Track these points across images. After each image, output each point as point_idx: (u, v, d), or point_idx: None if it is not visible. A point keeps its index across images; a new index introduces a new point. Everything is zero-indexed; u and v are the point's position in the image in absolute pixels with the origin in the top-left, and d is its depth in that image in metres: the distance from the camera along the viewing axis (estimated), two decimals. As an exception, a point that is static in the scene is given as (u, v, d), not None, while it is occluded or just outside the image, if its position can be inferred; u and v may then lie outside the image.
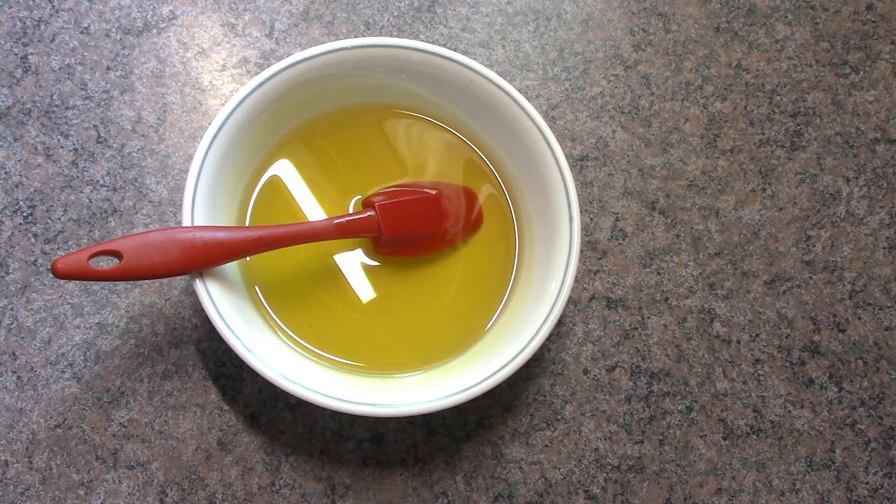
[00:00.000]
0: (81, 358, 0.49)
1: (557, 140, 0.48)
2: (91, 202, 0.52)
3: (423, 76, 0.49)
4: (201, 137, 0.45)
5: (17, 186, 0.52)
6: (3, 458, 0.48)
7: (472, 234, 0.51)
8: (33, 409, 0.49)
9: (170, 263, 0.41)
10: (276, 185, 0.50)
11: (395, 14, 0.58)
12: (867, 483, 0.52)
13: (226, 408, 0.49)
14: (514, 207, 0.51)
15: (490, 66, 0.57)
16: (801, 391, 0.53)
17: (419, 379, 0.47)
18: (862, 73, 0.60)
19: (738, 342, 0.54)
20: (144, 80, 0.55)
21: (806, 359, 0.54)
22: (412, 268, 0.50)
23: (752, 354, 0.54)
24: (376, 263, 0.50)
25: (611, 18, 0.59)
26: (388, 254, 0.50)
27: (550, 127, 0.48)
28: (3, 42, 0.55)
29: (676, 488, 0.51)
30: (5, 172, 0.52)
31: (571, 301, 0.53)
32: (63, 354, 0.49)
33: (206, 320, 0.51)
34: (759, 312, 0.54)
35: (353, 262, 0.50)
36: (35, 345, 0.49)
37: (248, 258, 0.48)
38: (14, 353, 0.49)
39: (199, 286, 0.43)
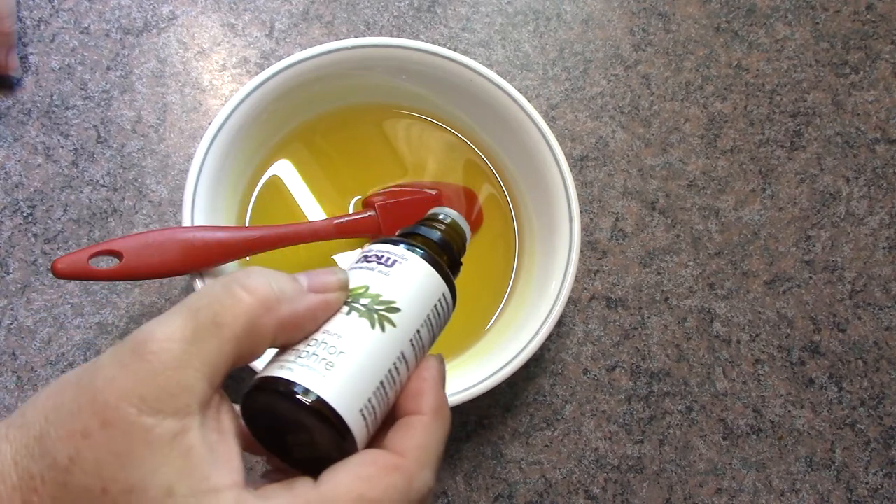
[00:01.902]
0: (81, 358, 0.49)
1: (557, 140, 0.48)
2: (91, 202, 0.52)
3: (423, 76, 0.49)
4: (201, 137, 0.45)
5: (17, 186, 0.52)
6: (3, 458, 0.48)
7: (472, 234, 0.51)
8: (33, 409, 0.49)
9: (169, 263, 0.41)
10: (276, 185, 0.50)
11: (395, 14, 0.58)
12: (867, 483, 0.52)
13: (226, 408, 0.49)
14: (514, 207, 0.51)
15: (490, 66, 0.57)
16: (801, 391, 0.53)
17: (419, 379, 0.47)
18: (862, 73, 0.60)
19: (738, 342, 0.54)
20: (144, 80, 0.55)
21: (806, 359, 0.54)
22: (412, 268, 0.50)
23: (752, 354, 0.54)
24: (376, 263, 0.50)
25: (611, 18, 0.59)
26: (388, 254, 0.50)
27: (550, 127, 0.48)
28: (3, 42, 0.55)
29: (676, 488, 0.51)
30: (5, 172, 0.52)
31: (571, 301, 0.53)
32: (63, 354, 0.49)
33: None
34: (759, 312, 0.54)
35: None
36: (35, 345, 0.49)
37: (247, 258, 0.48)
38: (14, 353, 0.49)
39: (198, 286, 0.43)
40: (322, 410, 0.25)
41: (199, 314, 0.24)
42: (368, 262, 0.30)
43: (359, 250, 0.32)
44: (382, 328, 0.27)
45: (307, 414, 0.25)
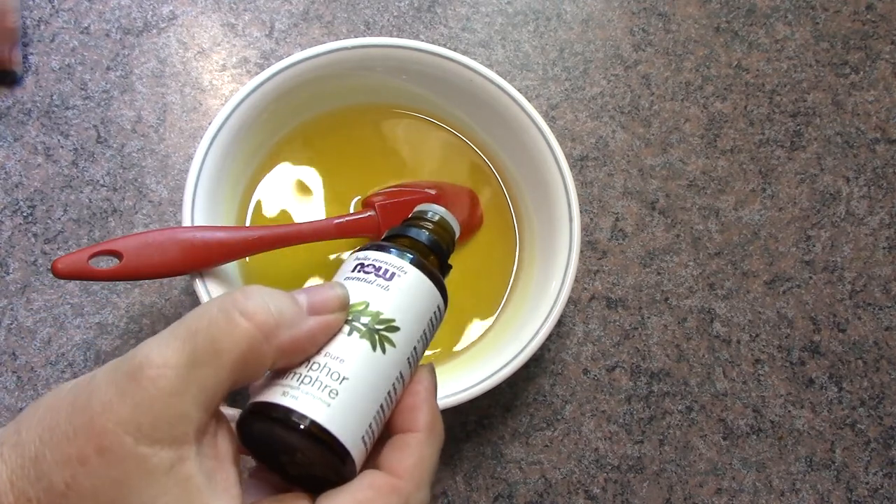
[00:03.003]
0: (81, 358, 0.49)
1: (557, 140, 0.48)
2: (91, 202, 0.52)
3: (423, 76, 0.49)
4: (201, 137, 0.45)
5: (17, 186, 0.52)
6: (3, 458, 0.48)
7: (472, 234, 0.51)
8: (33, 409, 0.49)
9: (170, 263, 0.41)
10: (276, 184, 0.50)
11: (395, 14, 0.58)
12: (867, 483, 0.52)
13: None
14: (514, 207, 0.51)
15: (490, 66, 0.57)
16: (801, 391, 0.53)
17: (419, 379, 0.47)
18: (862, 73, 0.60)
19: (738, 342, 0.54)
20: (144, 80, 0.55)
21: (806, 359, 0.54)
22: (412, 268, 0.50)
23: (752, 354, 0.54)
24: (376, 263, 0.50)
25: (611, 18, 0.59)
26: (388, 254, 0.50)
27: (550, 127, 0.48)
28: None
29: (676, 488, 0.51)
30: (5, 172, 0.52)
31: (571, 301, 0.53)
32: (63, 354, 0.49)
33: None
34: (759, 312, 0.54)
35: (353, 262, 0.50)
36: (35, 345, 0.49)
37: (247, 258, 0.48)
38: (14, 353, 0.49)
39: (199, 286, 0.43)
40: (328, 442, 0.25)
41: (196, 339, 0.24)
42: (366, 272, 0.29)
43: (350, 254, 0.31)
44: (383, 350, 0.27)
45: (313, 444, 0.25)
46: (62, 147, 0.53)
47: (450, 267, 0.33)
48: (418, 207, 0.34)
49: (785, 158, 0.58)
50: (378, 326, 0.27)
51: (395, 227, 0.33)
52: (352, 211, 0.50)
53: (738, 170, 0.57)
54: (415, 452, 0.27)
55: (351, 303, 0.28)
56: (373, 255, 0.29)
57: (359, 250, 0.30)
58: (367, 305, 0.28)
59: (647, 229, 0.55)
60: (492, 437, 0.50)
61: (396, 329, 0.28)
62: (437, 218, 0.33)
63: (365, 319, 0.27)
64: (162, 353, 0.23)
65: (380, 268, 0.29)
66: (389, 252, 0.29)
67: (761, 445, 0.52)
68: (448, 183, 0.51)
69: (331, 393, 0.25)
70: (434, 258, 0.31)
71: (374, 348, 0.27)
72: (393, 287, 0.28)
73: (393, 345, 0.27)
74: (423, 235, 0.31)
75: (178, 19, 0.56)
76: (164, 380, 0.23)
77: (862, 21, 0.61)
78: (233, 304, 0.25)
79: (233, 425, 0.27)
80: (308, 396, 0.25)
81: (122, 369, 0.23)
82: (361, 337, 0.27)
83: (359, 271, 0.29)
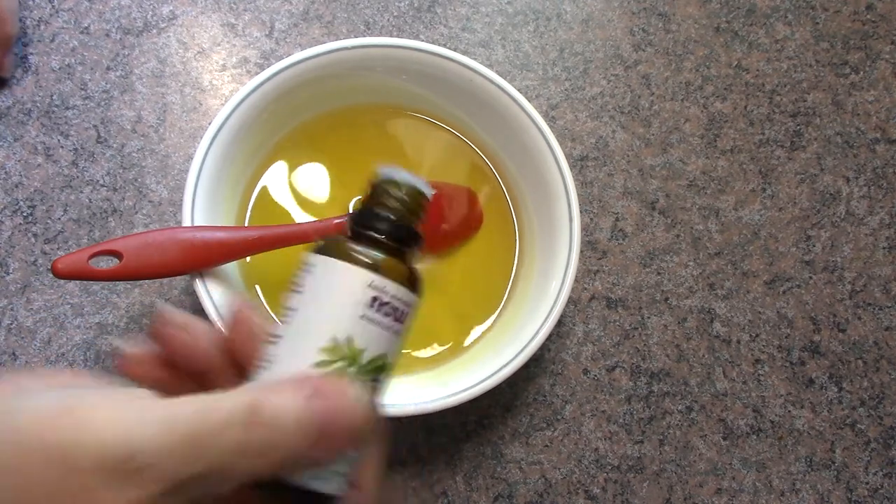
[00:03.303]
0: (81, 358, 0.49)
1: (557, 140, 0.48)
2: (91, 202, 0.52)
3: (423, 76, 0.49)
4: (201, 137, 0.45)
5: (17, 186, 0.52)
6: (3, 458, 0.48)
7: (472, 234, 0.51)
8: (33, 409, 0.49)
9: (170, 263, 0.41)
10: (276, 184, 0.50)
11: (395, 14, 0.58)
12: (867, 483, 0.52)
13: (226, 408, 0.49)
14: (514, 207, 0.51)
15: (490, 66, 0.57)
16: (801, 391, 0.53)
17: (419, 379, 0.47)
18: (862, 73, 0.60)
19: (738, 342, 0.54)
20: (144, 80, 0.55)
21: (806, 359, 0.54)
22: (412, 268, 0.50)
23: (752, 354, 0.54)
24: (376, 263, 0.50)
25: (611, 18, 0.59)
26: (388, 254, 0.49)
27: (550, 127, 0.48)
28: (3, 42, 0.55)
29: (676, 488, 0.51)
30: (5, 172, 0.52)
31: (571, 301, 0.53)
32: (63, 354, 0.49)
33: (206, 320, 0.51)
34: (759, 312, 0.54)
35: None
36: (35, 345, 0.49)
37: (247, 258, 0.48)
38: (14, 353, 0.49)
39: (199, 286, 0.43)
40: None
41: (197, 460, 0.23)
42: (385, 314, 0.26)
43: (344, 262, 0.27)
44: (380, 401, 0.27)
45: None
46: (62, 147, 0.53)
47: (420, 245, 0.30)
48: (381, 175, 0.29)
49: (785, 158, 0.58)
50: (385, 381, 0.27)
51: (362, 217, 0.28)
52: (351, 211, 0.50)
53: (738, 170, 0.57)
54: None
55: (371, 355, 0.26)
56: (391, 289, 0.27)
57: (368, 267, 0.27)
58: (385, 359, 0.27)
59: (647, 229, 0.55)
60: (492, 437, 0.50)
61: (390, 373, 0.27)
62: (404, 190, 0.29)
63: (380, 378, 0.27)
64: (160, 449, 0.23)
65: (396, 308, 0.27)
66: (402, 285, 0.27)
67: (761, 445, 0.52)
68: (447, 183, 0.51)
69: (344, 476, 0.26)
70: (409, 246, 0.29)
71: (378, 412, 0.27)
72: (403, 330, 0.27)
73: (383, 390, 0.28)
74: (416, 241, 0.28)
75: (178, 19, 0.56)
76: (156, 484, 0.22)
77: (862, 21, 0.61)
78: (237, 446, 0.23)
79: None
80: (320, 481, 0.26)
81: (113, 455, 0.22)
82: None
83: (377, 311, 0.26)
